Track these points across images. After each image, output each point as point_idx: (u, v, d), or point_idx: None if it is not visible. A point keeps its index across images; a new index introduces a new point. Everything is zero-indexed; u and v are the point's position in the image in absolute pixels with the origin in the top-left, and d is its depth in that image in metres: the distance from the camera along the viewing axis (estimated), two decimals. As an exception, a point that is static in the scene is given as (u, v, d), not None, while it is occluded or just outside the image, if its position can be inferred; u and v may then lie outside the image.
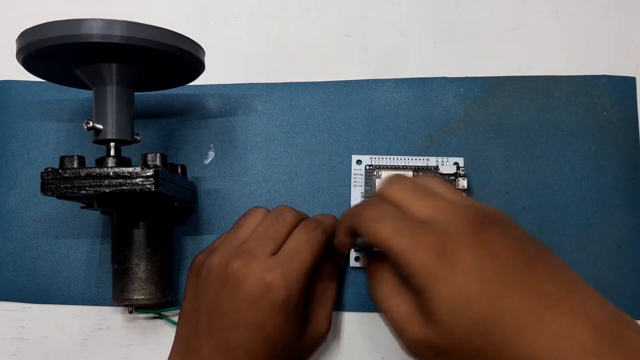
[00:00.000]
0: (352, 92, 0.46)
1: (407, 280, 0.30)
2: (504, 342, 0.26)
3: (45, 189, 0.35)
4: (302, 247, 0.35)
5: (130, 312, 0.40)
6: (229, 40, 0.48)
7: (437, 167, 0.43)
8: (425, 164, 0.43)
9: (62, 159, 0.36)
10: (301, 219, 0.38)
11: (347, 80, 0.46)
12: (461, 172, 0.42)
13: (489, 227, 0.29)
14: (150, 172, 0.35)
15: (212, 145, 0.45)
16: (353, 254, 0.42)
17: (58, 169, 0.35)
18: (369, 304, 0.42)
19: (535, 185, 0.43)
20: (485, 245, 0.28)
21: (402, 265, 0.29)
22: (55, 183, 0.35)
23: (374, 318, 0.42)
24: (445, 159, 0.43)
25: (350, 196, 0.43)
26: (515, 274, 0.27)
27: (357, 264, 0.42)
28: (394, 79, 0.46)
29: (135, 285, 0.39)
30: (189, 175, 0.44)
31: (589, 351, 0.25)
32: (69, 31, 0.33)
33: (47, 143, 0.46)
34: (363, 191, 0.43)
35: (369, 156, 0.44)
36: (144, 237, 0.39)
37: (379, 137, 0.45)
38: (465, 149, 0.44)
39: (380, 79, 0.46)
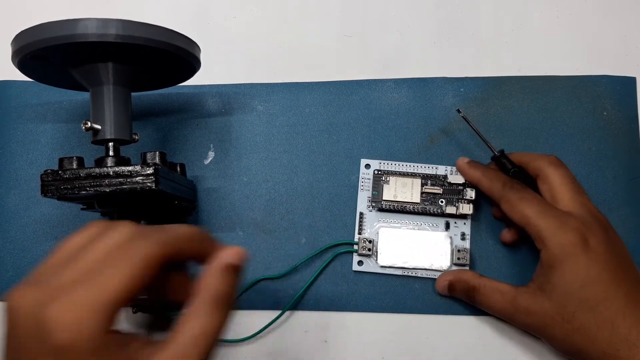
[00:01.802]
0: (352, 92, 0.46)
1: (541, 258, 0.37)
2: (606, 321, 0.34)
3: (45, 190, 0.35)
4: (110, 264, 0.25)
5: (134, 312, 0.40)
6: (229, 40, 0.48)
7: (445, 177, 0.42)
8: (434, 172, 0.43)
9: (61, 160, 0.36)
10: (138, 228, 0.28)
11: (347, 80, 0.46)
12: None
13: (612, 232, 0.37)
14: (150, 170, 0.35)
15: (212, 145, 0.45)
16: (356, 258, 0.42)
17: (58, 171, 0.35)
18: (369, 304, 0.42)
19: (535, 185, 0.43)
20: (612, 243, 0.36)
21: (542, 240, 0.36)
22: (55, 184, 0.35)
23: (374, 318, 0.42)
24: (453, 168, 0.43)
25: (356, 197, 0.43)
26: (627, 273, 0.36)
27: (360, 268, 0.42)
28: (394, 79, 0.46)
29: None
30: (189, 174, 0.44)
31: None
32: (64, 31, 0.32)
33: (46, 143, 0.46)
34: (370, 195, 0.43)
35: (377, 161, 0.44)
36: None
37: (379, 137, 0.45)
38: (466, 149, 0.44)
39: (380, 79, 0.46)
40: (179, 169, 0.41)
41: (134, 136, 0.38)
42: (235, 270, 0.29)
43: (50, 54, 0.34)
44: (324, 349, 0.42)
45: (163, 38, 0.35)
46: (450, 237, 0.42)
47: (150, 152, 0.38)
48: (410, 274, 0.42)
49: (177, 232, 0.28)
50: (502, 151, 0.41)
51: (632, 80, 0.45)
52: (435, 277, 0.42)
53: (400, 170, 0.43)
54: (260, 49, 0.47)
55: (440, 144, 0.44)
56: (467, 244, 0.42)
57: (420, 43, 0.47)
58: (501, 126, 0.44)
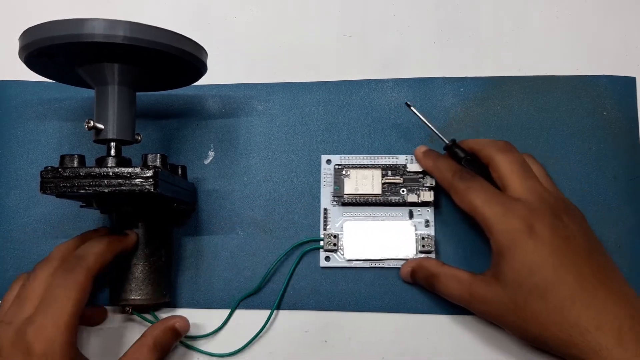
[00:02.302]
0: (352, 92, 0.46)
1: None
2: (556, 307, 0.33)
3: (44, 187, 0.35)
4: (56, 294, 0.34)
5: (128, 312, 0.40)
6: (229, 40, 0.48)
7: (405, 165, 0.43)
8: (395, 162, 0.43)
9: (62, 157, 0.36)
10: (62, 259, 0.37)
11: (347, 80, 0.46)
12: None
13: (566, 216, 0.36)
14: (150, 173, 0.35)
15: (212, 145, 0.45)
16: (323, 254, 0.42)
17: (58, 168, 0.35)
18: (369, 304, 0.42)
19: (535, 185, 0.43)
20: (562, 228, 0.35)
21: (489, 228, 0.36)
22: (54, 182, 0.35)
23: (374, 318, 0.42)
24: (413, 157, 0.43)
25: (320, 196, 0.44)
26: (579, 257, 0.35)
27: (328, 264, 0.42)
28: (394, 79, 0.46)
29: (133, 285, 0.39)
30: (189, 175, 0.44)
31: (624, 327, 0.32)
32: (71, 30, 0.33)
33: (47, 143, 0.46)
34: (332, 191, 0.43)
35: (338, 155, 0.44)
36: (143, 238, 0.39)
37: (379, 137, 0.45)
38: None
39: (380, 79, 0.46)
40: (180, 172, 0.41)
41: (136, 137, 0.38)
42: (176, 333, 0.39)
43: (58, 51, 0.34)
44: (324, 349, 0.42)
45: (170, 42, 0.35)
46: (414, 225, 0.42)
47: (152, 154, 0.38)
48: (377, 265, 0.42)
49: (98, 254, 0.36)
50: (453, 140, 0.41)
51: (632, 80, 0.45)
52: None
53: (361, 163, 0.43)
54: (260, 49, 0.48)
55: (440, 144, 0.44)
56: (431, 231, 0.42)
57: (420, 43, 0.47)
58: (501, 126, 0.44)
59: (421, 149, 0.42)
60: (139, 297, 0.39)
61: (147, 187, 0.35)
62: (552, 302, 0.34)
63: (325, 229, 0.43)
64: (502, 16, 0.47)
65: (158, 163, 0.38)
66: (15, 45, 0.35)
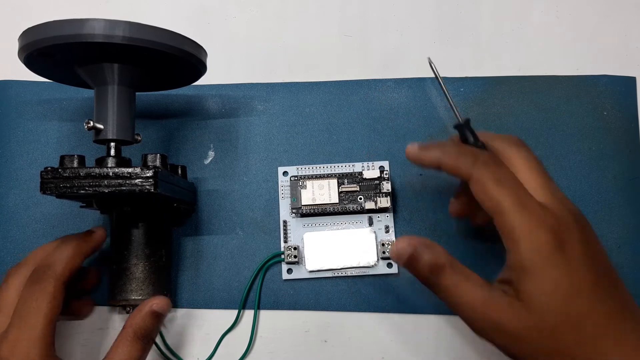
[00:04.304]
0: (352, 92, 0.46)
1: (508, 258, 0.30)
2: (588, 339, 0.28)
3: (44, 188, 0.35)
4: (27, 307, 0.34)
5: (128, 312, 0.40)
6: (229, 40, 0.48)
7: (361, 173, 0.43)
8: (351, 170, 0.43)
9: (62, 158, 0.36)
10: (36, 266, 0.36)
11: (347, 80, 0.46)
12: (385, 176, 0.42)
13: (589, 232, 0.31)
14: (149, 173, 0.35)
15: (212, 145, 0.45)
16: (285, 267, 0.42)
17: (58, 169, 0.35)
18: (370, 304, 0.42)
19: (535, 185, 0.43)
20: (590, 244, 0.30)
21: (514, 240, 0.29)
22: (54, 182, 0.35)
23: (374, 318, 0.42)
24: (370, 163, 0.43)
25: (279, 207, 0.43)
26: (609, 282, 0.30)
27: (290, 277, 0.42)
28: (394, 79, 0.46)
29: (133, 285, 0.39)
30: (189, 175, 0.44)
31: None
32: (71, 31, 0.33)
33: (47, 143, 0.46)
34: (290, 202, 0.43)
35: (295, 167, 0.44)
36: (143, 238, 0.39)
37: (379, 137, 0.45)
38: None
39: (380, 79, 0.46)
40: (180, 172, 0.41)
41: (136, 137, 0.38)
42: (157, 316, 0.36)
43: (57, 51, 0.34)
44: (324, 349, 0.42)
45: (170, 42, 0.35)
46: (374, 232, 0.42)
47: (152, 154, 0.38)
48: (339, 274, 0.42)
49: (65, 261, 0.36)
50: (468, 120, 0.35)
51: (632, 80, 0.45)
52: (365, 274, 0.42)
53: (317, 173, 0.43)
54: (260, 49, 0.48)
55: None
56: (391, 237, 0.42)
57: (420, 43, 0.47)
58: (501, 126, 0.44)
59: (413, 146, 0.34)
60: (140, 297, 0.39)
61: (147, 187, 0.35)
62: (585, 333, 0.29)
63: (286, 242, 0.43)
64: (502, 16, 0.47)
65: (158, 163, 0.38)
66: (15, 45, 0.35)
